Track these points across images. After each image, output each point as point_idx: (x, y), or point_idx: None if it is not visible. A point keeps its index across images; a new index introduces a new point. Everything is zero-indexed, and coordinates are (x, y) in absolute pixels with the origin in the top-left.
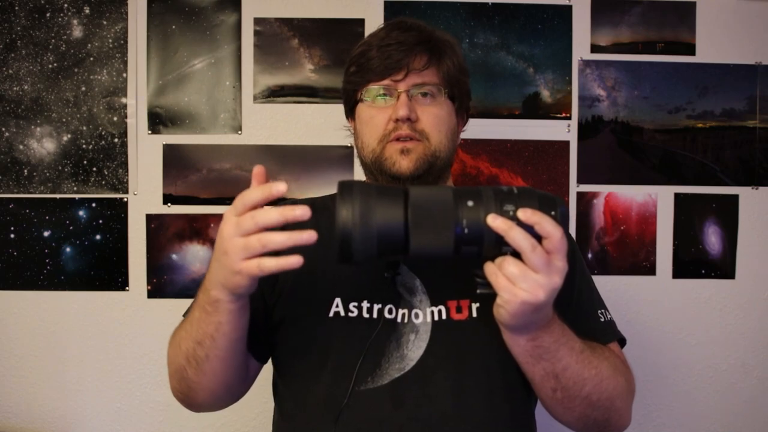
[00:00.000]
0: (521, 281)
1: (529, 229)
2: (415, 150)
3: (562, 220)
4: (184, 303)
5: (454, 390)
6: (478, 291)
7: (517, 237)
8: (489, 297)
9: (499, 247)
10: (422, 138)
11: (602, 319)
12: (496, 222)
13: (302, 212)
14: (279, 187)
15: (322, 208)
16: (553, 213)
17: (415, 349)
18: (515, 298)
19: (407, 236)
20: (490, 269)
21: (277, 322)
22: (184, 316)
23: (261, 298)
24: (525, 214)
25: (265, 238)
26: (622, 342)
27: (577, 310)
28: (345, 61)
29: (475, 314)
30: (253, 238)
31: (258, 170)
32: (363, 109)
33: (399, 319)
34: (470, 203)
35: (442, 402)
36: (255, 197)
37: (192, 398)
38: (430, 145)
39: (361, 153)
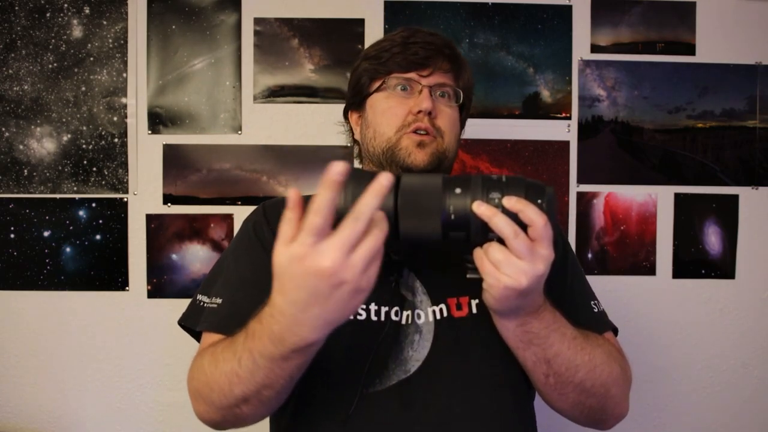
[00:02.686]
0: (505, 267)
1: (514, 216)
2: (430, 145)
3: (549, 209)
4: (185, 303)
5: (461, 387)
6: (467, 276)
7: (500, 223)
8: (478, 283)
9: (486, 233)
10: (438, 135)
11: (595, 310)
12: (480, 209)
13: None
14: (338, 169)
15: None
16: (539, 201)
17: (420, 349)
18: (499, 283)
19: (397, 221)
20: (478, 254)
21: None
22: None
23: None
24: (510, 201)
25: (379, 234)
26: (614, 332)
27: (571, 300)
28: (345, 61)
29: (474, 310)
30: (370, 246)
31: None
32: (380, 99)
33: (404, 321)
34: (458, 190)
35: (449, 400)
36: (324, 203)
37: (240, 424)
38: (443, 142)
39: (370, 143)
